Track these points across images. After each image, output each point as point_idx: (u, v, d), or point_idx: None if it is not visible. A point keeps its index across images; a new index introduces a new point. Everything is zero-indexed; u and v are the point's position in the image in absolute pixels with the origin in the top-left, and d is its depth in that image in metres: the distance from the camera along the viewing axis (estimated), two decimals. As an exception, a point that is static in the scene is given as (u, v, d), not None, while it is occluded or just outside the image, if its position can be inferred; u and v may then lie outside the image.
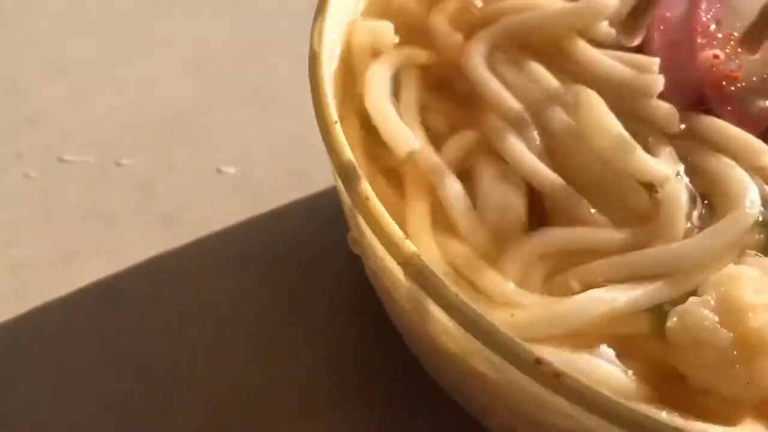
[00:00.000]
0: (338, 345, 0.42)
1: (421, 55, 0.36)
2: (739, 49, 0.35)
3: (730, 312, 0.28)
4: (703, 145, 0.33)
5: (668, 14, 0.36)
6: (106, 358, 0.41)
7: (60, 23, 0.56)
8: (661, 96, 0.34)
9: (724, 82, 0.34)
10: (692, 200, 0.32)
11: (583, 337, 0.29)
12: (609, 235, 0.31)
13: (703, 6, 0.36)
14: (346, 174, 0.29)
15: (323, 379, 0.41)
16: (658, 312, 0.29)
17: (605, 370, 0.28)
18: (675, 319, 0.28)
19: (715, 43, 0.35)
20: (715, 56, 0.34)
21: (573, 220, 0.31)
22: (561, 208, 0.31)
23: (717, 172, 0.32)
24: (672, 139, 0.33)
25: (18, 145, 0.49)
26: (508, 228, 0.31)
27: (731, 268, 0.29)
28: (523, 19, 0.36)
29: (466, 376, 0.30)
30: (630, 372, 0.28)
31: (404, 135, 0.32)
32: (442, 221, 0.31)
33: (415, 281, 0.27)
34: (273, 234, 0.46)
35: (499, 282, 0.29)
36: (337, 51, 0.35)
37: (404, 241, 0.27)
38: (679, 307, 0.29)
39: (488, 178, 0.32)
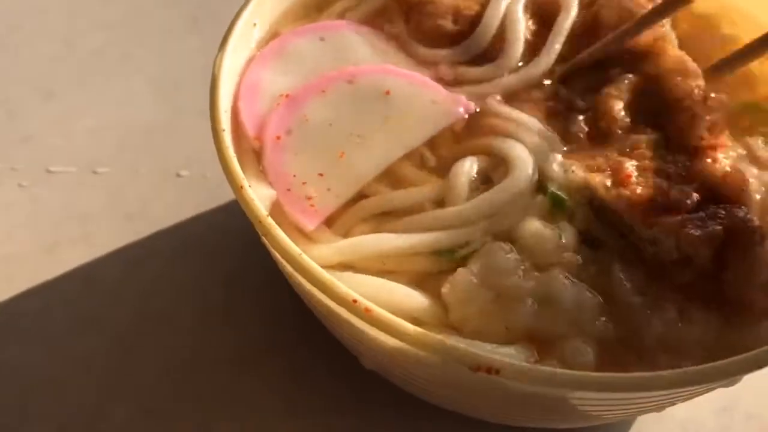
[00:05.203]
0: (272, 305, 0.51)
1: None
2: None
3: (488, 275, 0.35)
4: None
5: None
6: (81, 327, 0.51)
7: (47, 55, 0.67)
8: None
9: None
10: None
11: (393, 274, 0.37)
12: (411, 195, 0.40)
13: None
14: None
15: (259, 332, 0.50)
16: (450, 256, 0.37)
17: (405, 293, 0.36)
18: (447, 285, 0.36)
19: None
20: None
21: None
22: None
23: (504, 153, 0.40)
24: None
25: (12, 160, 0.59)
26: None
27: (489, 245, 0.37)
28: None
29: (329, 319, 0.39)
30: (426, 298, 0.36)
31: None
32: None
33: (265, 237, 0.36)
34: (216, 225, 0.56)
35: (325, 232, 0.39)
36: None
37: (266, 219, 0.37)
38: (451, 276, 0.36)
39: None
